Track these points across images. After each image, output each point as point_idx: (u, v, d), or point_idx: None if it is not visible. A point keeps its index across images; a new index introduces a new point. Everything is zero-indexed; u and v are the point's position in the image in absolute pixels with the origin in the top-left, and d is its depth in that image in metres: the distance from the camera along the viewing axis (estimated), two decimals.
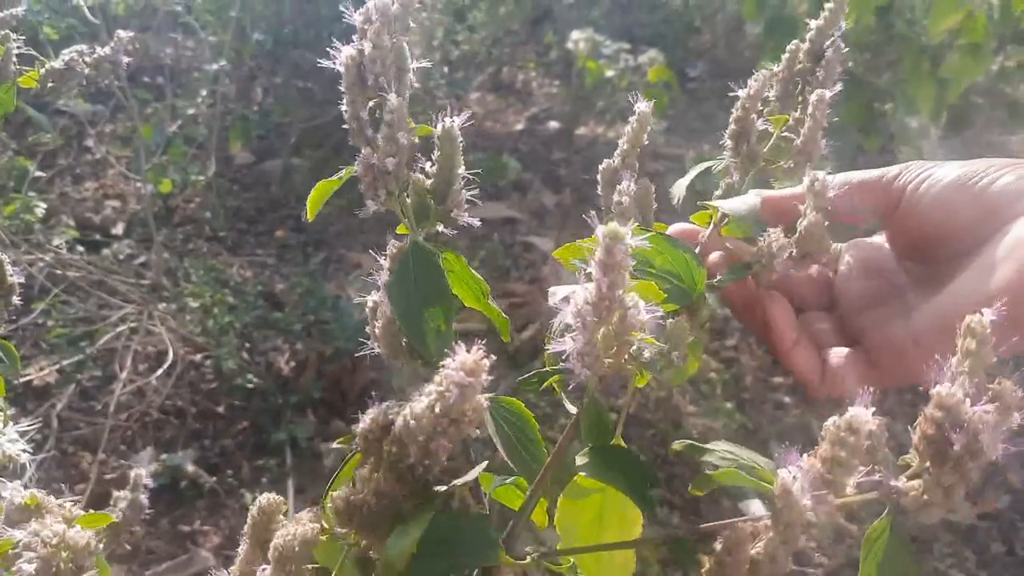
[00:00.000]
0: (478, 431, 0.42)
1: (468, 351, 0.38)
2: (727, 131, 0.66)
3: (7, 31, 0.88)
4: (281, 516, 0.45)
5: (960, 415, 0.35)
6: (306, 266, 2.83)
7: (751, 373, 2.51)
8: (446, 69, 3.45)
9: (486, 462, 0.45)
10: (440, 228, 0.56)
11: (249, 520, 0.45)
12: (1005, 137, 3.75)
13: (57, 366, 2.22)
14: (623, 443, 0.55)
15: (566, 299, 0.43)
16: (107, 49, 0.94)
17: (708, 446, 0.47)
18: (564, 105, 4.16)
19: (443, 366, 0.38)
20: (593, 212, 0.57)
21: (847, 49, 0.66)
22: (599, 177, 0.67)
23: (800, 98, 0.67)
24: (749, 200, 0.60)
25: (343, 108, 0.54)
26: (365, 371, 2.37)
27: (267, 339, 2.46)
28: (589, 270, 0.42)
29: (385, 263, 0.54)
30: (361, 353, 0.54)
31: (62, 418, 2.13)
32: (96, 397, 2.23)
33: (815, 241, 0.57)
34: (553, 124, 4.10)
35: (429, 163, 0.55)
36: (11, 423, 1.12)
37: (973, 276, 0.53)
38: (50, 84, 0.89)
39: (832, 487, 0.36)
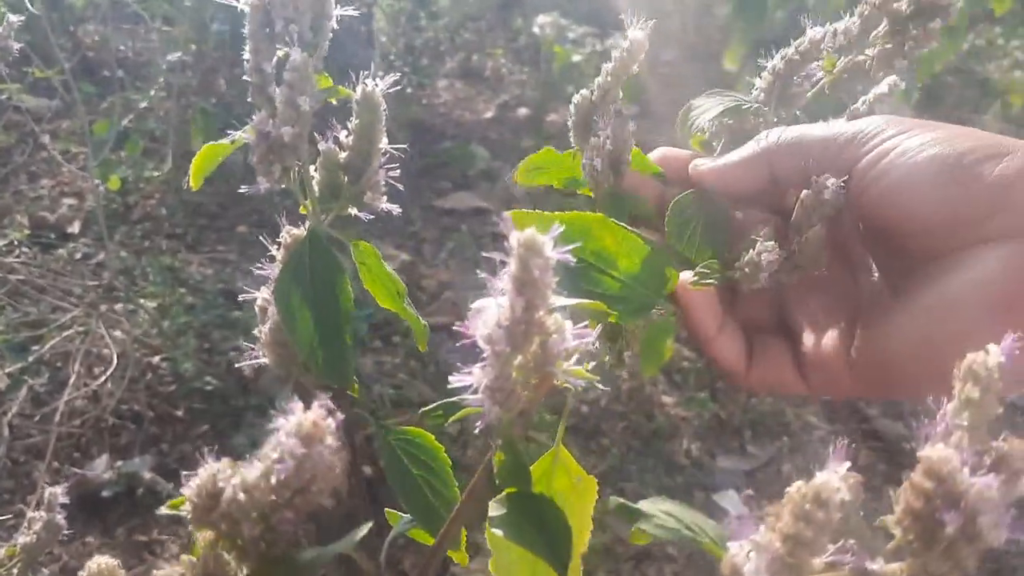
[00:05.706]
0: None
1: (308, 406, 0.28)
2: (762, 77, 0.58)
3: None
4: None
5: (956, 487, 0.26)
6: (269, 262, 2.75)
7: None
8: (410, 57, 3.37)
9: (370, 523, 0.36)
10: (354, 212, 0.48)
11: None
12: (976, 115, 3.73)
13: (7, 371, 2.14)
14: (565, 448, 0.49)
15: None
16: None
17: (645, 507, 0.39)
18: (534, 92, 4.09)
19: (276, 428, 0.29)
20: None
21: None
22: (571, 113, 0.56)
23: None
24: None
25: (245, 59, 0.46)
26: None
27: (227, 339, 2.38)
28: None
29: (277, 253, 0.46)
30: (241, 364, 0.45)
31: (13, 426, 2.05)
32: (49, 403, 2.15)
33: (812, 256, 0.49)
34: (523, 111, 4.03)
35: (346, 133, 0.47)
36: None
37: (966, 289, 0.42)
38: None
39: (793, 571, 0.29)
